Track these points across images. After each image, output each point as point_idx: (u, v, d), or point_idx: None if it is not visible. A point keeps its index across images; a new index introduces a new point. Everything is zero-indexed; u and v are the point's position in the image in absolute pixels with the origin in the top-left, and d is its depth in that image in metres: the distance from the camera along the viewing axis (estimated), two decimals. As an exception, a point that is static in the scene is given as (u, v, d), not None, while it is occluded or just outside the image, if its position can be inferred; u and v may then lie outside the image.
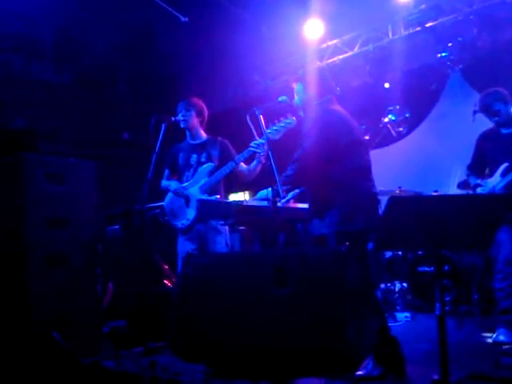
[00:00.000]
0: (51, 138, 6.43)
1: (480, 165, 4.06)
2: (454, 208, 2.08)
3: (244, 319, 2.08)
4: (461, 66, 6.37)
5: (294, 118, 3.43)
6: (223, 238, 3.99)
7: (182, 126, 4.12)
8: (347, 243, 2.15)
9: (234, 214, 3.14)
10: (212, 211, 3.37)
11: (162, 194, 4.34)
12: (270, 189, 3.01)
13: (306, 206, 3.43)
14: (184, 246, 4.06)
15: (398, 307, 5.27)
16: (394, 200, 2.04)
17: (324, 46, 7.17)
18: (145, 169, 4.01)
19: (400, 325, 4.71)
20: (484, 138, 4.04)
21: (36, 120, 6.50)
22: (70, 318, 3.88)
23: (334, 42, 7.11)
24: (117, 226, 5.95)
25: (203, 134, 4.20)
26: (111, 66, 7.73)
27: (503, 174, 3.78)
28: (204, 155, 4.09)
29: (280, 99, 3.34)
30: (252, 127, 3.34)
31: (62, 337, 3.61)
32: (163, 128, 4.00)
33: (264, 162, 3.65)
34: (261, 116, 3.29)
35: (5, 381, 3.19)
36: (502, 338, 3.70)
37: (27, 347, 3.51)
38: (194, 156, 4.11)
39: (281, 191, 3.00)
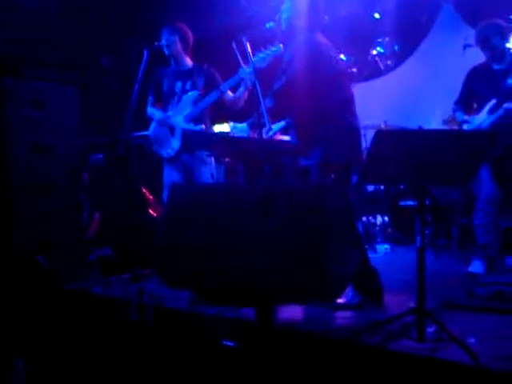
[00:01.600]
0: (33, 63, 6.23)
1: (468, 100, 4.02)
2: (439, 143, 2.09)
3: (229, 248, 2.13)
4: (454, -3, 6.21)
5: (281, 45, 3.35)
6: (209, 169, 3.99)
7: (165, 52, 4.01)
8: (332, 176, 2.17)
9: (219, 145, 3.13)
10: (197, 141, 3.35)
11: (145, 122, 4.28)
12: (245, 124, 2.99)
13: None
14: (170, 176, 4.06)
15: (378, 239, 5.41)
16: (380, 134, 2.04)
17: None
18: (127, 96, 3.94)
19: (380, 256, 4.86)
20: (474, 72, 3.97)
21: (18, 44, 6.26)
22: (55, 245, 3.94)
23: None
24: (100, 155, 5.91)
25: (188, 61, 4.10)
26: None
27: (490, 111, 3.76)
28: (189, 83, 4.00)
29: (268, 26, 3.25)
30: (238, 55, 3.25)
31: (46, 261, 3.68)
32: (146, 55, 3.88)
33: (250, 89, 3.59)
34: (247, 43, 3.20)
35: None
36: (476, 269, 3.84)
37: (12, 273, 3.57)
38: (179, 83, 4.02)
39: (267, 122, 2.97)
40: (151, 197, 6.02)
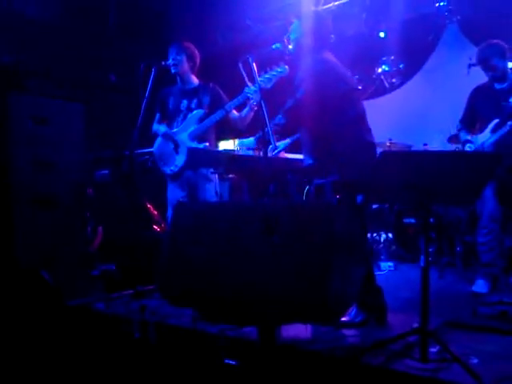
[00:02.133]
0: (38, 77, 6.29)
1: (471, 119, 4.06)
2: (444, 165, 2.10)
3: (232, 267, 2.13)
4: (459, 17, 6.25)
5: (286, 66, 3.38)
6: (213, 186, 4.00)
7: (172, 70, 4.05)
8: (338, 196, 2.18)
9: (224, 163, 3.15)
10: (202, 159, 3.37)
11: (152, 139, 4.31)
12: (252, 138, 3.00)
13: (297, 156, 3.45)
14: (174, 193, 4.08)
15: (382, 256, 5.39)
16: (385, 155, 2.05)
17: (320, -9, 6.97)
18: (134, 112, 3.97)
19: (383, 274, 4.84)
20: (477, 92, 4.02)
21: (23, 57, 6.33)
22: (58, 260, 3.94)
23: (331, -13, 6.91)
24: (106, 171, 5.94)
25: (195, 80, 4.14)
26: (100, 5, 7.48)
27: (493, 131, 3.79)
28: (195, 101, 4.03)
29: (274, 46, 3.28)
30: (244, 74, 3.28)
31: (50, 276, 3.68)
32: (153, 73, 3.92)
33: (256, 109, 3.62)
34: (254, 63, 3.24)
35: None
36: (480, 288, 3.82)
37: (15, 289, 3.57)
38: (185, 101, 4.06)
39: (272, 141, 2.99)
40: (155, 212, 6.04)
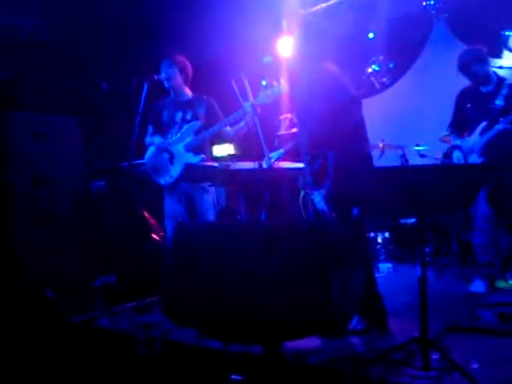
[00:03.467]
0: (34, 92, 6.29)
1: (460, 122, 4.09)
2: (436, 178, 2.14)
3: (234, 286, 2.17)
4: (446, 15, 6.29)
5: (281, 84, 3.41)
6: (210, 197, 4.03)
7: (166, 85, 4.07)
8: (334, 214, 2.22)
9: (220, 177, 3.18)
10: (198, 175, 3.41)
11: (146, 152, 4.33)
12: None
13: (290, 164, 3.50)
14: (171, 206, 4.10)
15: (381, 258, 5.44)
16: (377, 171, 2.09)
17: (307, -7, 6.99)
18: (129, 123, 4.00)
19: (382, 276, 4.89)
20: (463, 96, 4.04)
21: (18, 73, 6.34)
22: (60, 275, 3.96)
23: (318, -12, 6.93)
24: (102, 182, 5.96)
25: (188, 92, 4.16)
26: (93, 16, 7.48)
27: (482, 133, 3.82)
28: (190, 113, 4.06)
29: (265, 60, 3.32)
30: (237, 91, 3.32)
31: (53, 294, 3.71)
32: (146, 88, 3.95)
33: (250, 125, 3.67)
34: (246, 80, 3.26)
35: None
36: (478, 288, 3.87)
37: (18, 307, 3.59)
38: (180, 113, 4.08)
39: (266, 154, 3.01)
40: (153, 221, 6.07)
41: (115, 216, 5.48)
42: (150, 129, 4.24)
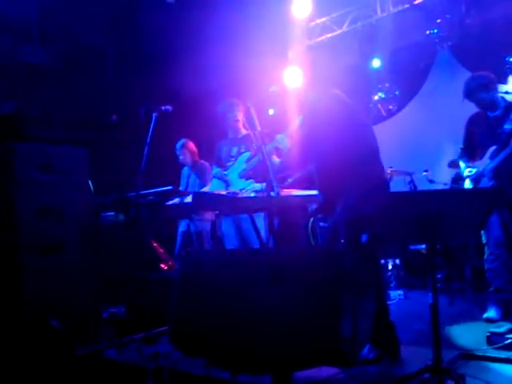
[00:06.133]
0: (41, 122, 6.36)
1: (471, 147, 4.09)
2: (447, 203, 2.12)
3: (242, 316, 2.14)
4: (449, 43, 6.38)
5: (285, 135, 3.50)
6: (261, 221, 4.15)
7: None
8: (342, 241, 2.20)
9: (228, 205, 3.18)
10: (206, 203, 3.41)
11: (153, 181, 4.37)
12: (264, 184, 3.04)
13: (299, 192, 3.49)
14: (226, 229, 4.36)
15: (391, 285, 5.37)
16: (387, 197, 2.08)
17: (312, 24, 7.12)
18: (137, 152, 4.03)
19: (393, 303, 4.82)
20: (472, 121, 4.06)
21: (24, 103, 6.42)
22: (67, 306, 3.94)
23: (323, 19, 7.06)
24: (111, 213, 5.98)
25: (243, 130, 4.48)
26: (98, 46, 7.62)
27: (492, 157, 3.82)
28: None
29: (271, 90, 3.35)
30: (245, 121, 3.35)
31: (60, 325, 3.67)
32: (154, 118, 3.99)
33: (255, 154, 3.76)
34: (252, 109, 3.29)
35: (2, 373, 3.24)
36: (492, 315, 3.80)
37: (24, 338, 3.56)
38: (235, 148, 4.47)
39: (274, 185, 3.01)
40: (161, 250, 6.06)
41: (124, 246, 5.48)
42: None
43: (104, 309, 4.58)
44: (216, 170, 4.55)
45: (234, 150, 4.47)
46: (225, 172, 4.42)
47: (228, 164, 4.47)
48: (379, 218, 2.28)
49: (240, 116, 4.45)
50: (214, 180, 4.53)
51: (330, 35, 7.07)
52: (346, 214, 2.85)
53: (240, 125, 4.47)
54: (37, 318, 3.75)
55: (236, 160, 4.39)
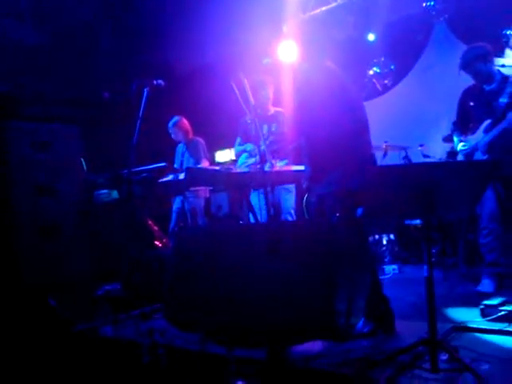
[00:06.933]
0: (32, 101, 6.29)
1: (464, 121, 4.05)
2: (442, 175, 2.10)
3: (238, 290, 2.14)
4: (446, 16, 6.28)
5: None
6: (292, 197, 4.41)
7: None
8: (337, 214, 2.18)
9: (221, 181, 3.15)
10: (199, 178, 3.38)
11: (147, 158, 4.33)
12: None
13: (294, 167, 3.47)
14: (256, 202, 4.32)
15: (386, 259, 5.39)
16: (380, 170, 2.05)
17: (307, -3, 6.99)
18: (129, 128, 3.98)
19: (388, 277, 4.84)
20: (467, 94, 4.01)
21: (17, 83, 6.34)
22: (63, 284, 3.94)
23: (317, -8, 6.93)
24: (105, 191, 5.94)
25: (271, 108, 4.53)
26: (90, 22, 7.49)
27: (486, 130, 3.79)
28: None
29: (264, 62, 3.29)
30: (237, 92, 3.29)
31: (57, 303, 3.68)
32: (146, 93, 3.93)
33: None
34: (245, 80, 3.24)
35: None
36: (485, 288, 3.82)
37: (21, 316, 3.57)
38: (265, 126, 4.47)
39: (268, 159, 2.98)
40: (156, 228, 6.04)
41: (118, 224, 5.46)
42: (239, 140, 4.70)
43: (99, 286, 4.58)
44: (250, 147, 4.47)
45: (265, 128, 4.47)
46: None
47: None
48: (367, 192, 2.25)
49: (271, 94, 4.55)
50: (244, 155, 4.48)
51: (324, 8, 6.94)
52: (333, 187, 2.85)
53: (270, 102, 4.58)
54: (34, 296, 3.75)
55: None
